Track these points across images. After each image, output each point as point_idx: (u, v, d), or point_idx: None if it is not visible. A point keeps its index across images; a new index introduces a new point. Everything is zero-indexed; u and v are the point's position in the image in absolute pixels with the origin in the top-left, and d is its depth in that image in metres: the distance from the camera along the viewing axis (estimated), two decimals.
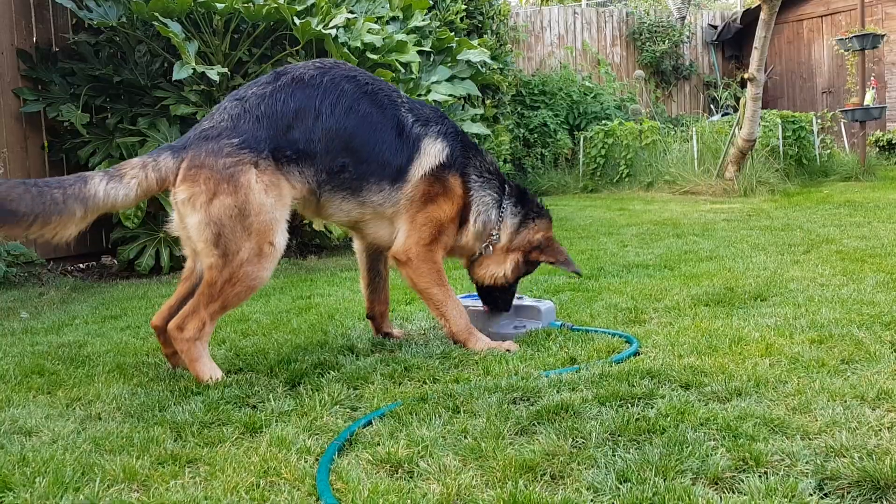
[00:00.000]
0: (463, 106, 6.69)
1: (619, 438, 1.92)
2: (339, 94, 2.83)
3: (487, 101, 11.49)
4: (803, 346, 2.74)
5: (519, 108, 13.61)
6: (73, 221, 2.56)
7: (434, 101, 6.13)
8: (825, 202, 8.65)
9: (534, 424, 2.06)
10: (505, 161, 11.70)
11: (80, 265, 6.88)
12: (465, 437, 1.98)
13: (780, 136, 10.87)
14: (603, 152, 11.93)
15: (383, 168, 2.89)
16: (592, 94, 13.88)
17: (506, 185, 3.24)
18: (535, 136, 13.32)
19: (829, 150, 11.72)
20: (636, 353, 2.80)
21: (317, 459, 1.92)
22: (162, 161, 2.66)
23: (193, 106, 6.07)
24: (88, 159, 6.13)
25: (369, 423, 2.17)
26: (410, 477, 1.79)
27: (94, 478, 1.80)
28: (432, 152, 2.97)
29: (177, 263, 6.29)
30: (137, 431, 2.15)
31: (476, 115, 6.73)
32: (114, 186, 2.58)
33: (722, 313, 3.44)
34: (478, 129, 6.58)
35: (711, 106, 15.14)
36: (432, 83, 6.28)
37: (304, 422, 2.21)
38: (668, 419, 2.02)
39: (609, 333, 3.15)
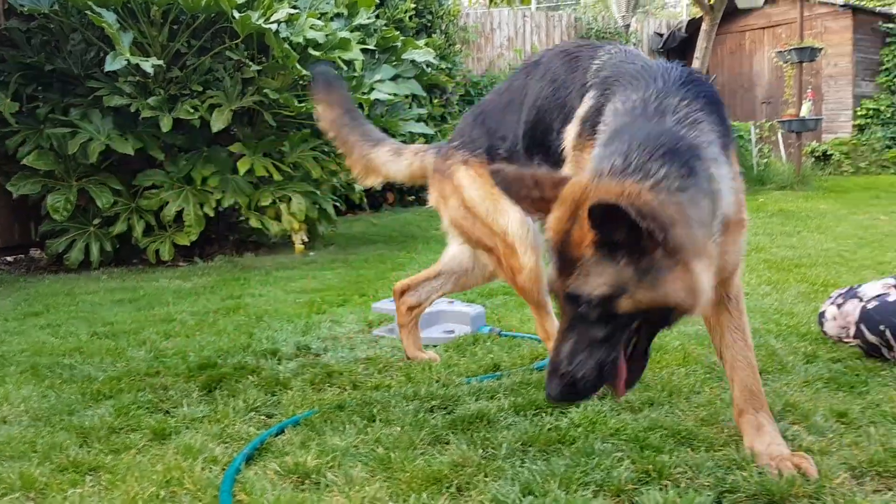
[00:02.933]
0: (410, 105, 6.65)
1: (530, 449, 1.93)
2: None
3: (435, 101, 11.51)
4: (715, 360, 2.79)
5: (468, 108, 13.65)
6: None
7: (377, 99, 6.09)
8: (759, 210, 8.85)
9: (448, 434, 2.05)
10: None
11: (8, 258, 6.67)
12: (378, 448, 1.97)
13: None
14: None
15: None
16: None
17: None
18: None
19: (766, 160, 12.02)
20: None
21: (223, 469, 1.88)
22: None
23: (128, 97, 5.91)
24: (17, 149, 5.94)
25: (281, 431, 2.14)
26: (316, 488, 1.76)
27: None
28: None
29: (106, 258, 6.14)
30: (42, 437, 2.08)
31: (421, 114, 6.71)
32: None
33: None
34: (421, 129, 6.56)
35: None
36: (376, 82, 6.24)
37: (215, 429, 2.17)
38: (580, 429, 2.03)
39: (536, 339, 3.16)
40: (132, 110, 5.87)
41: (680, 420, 2.11)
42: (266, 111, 6.16)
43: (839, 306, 2.88)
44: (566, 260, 1.62)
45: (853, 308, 2.79)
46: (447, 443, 2.00)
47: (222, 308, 4.13)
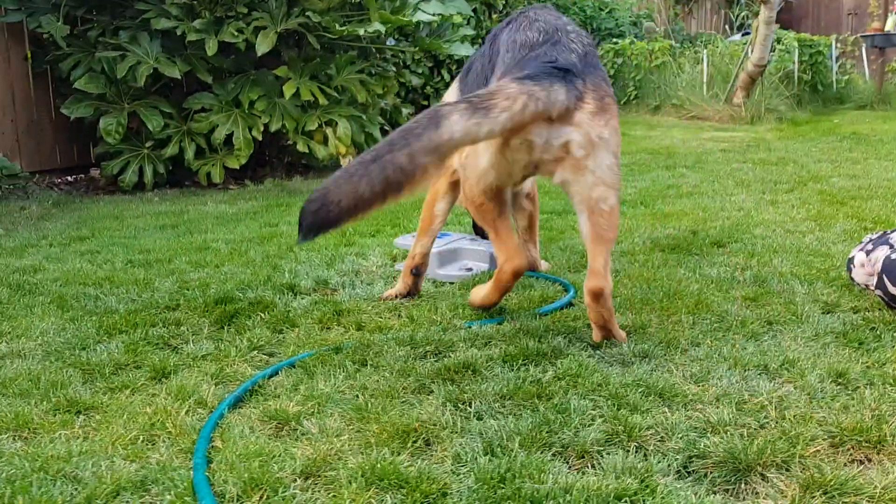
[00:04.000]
0: (452, 26, 6.49)
1: (507, 403, 1.94)
2: None
3: (494, 15, 11.18)
4: (734, 303, 2.72)
5: None
6: (428, 178, 2.12)
7: (420, 22, 5.95)
8: (831, 133, 8.43)
9: (432, 382, 2.07)
10: None
11: (69, 178, 6.91)
12: (361, 395, 2.01)
13: (796, 61, 10.52)
14: (612, 73, 11.61)
15: None
16: (607, 9, 13.41)
17: None
18: None
19: (847, 76, 11.36)
20: (569, 305, 2.79)
21: (211, 412, 1.95)
22: (556, 90, 2.15)
23: (175, 20, 5.94)
24: (70, 72, 6.07)
25: (276, 373, 2.20)
26: (292, 436, 1.82)
27: None
28: None
29: (160, 180, 6.31)
30: (48, 373, 2.19)
31: (465, 36, 6.53)
32: (477, 122, 2.06)
33: (674, 261, 3.40)
34: (467, 50, 6.40)
35: (726, 27, 14.61)
36: (420, 2, 6.08)
37: (213, 368, 2.24)
38: (561, 383, 2.02)
39: (551, 280, 3.14)
40: (178, 33, 5.90)
41: (667, 377, 2.08)
42: (310, 33, 6.10)
43: (868, 253, 2.75)
44: None
45: (881, 255, 2.65)
46: (430, 392, 2.02)
47: (257, 237, 4.21)
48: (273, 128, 6.23)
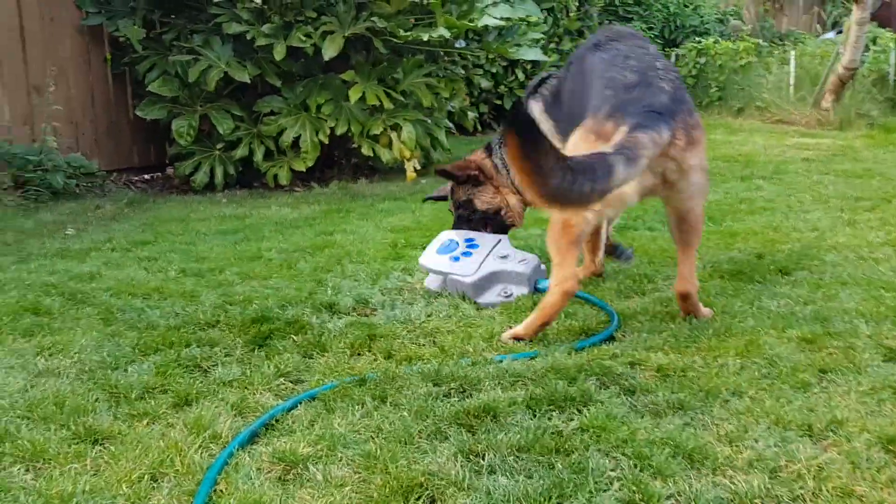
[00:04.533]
0: (525, 31, 6.34)
1: (522, 457, 1.85)
2: None
3: (572, 14, 10.96)
4: (789, 345, 2.54)
5: (611, 20, 12.91)
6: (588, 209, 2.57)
7: (486, 26, 5.85)
8: None
9: (449, 427, 2.00)
10: None
11: (145, 176, 7.11)
12: (374, 438, 1.95)
13: (892, 62, 9.93)
14: (694, 73, 11.22)
15: None
16: (693, 6, 12.96)
17: None
18: None
19: None
20: (609, 338, 2.67)
21: (224, 446, 1.93)
22: (663, 133, 2.53)
23: (245, 24, 6.02)
24: (146, 75, 6.23)
25: (294, 407, 2.17)
26: (294, 484, 1.78)
27: (1, 451, 1.88)
28: None
29: (230, 181, 6.41)
30: (75, 396, 2.22)
31: (533, 39, 6.39)
32: (629, 171, 2.39)
33: (732, 289, 3.22)
34: (535, 55, 6.27)
35: (818, 25, 13.93)
36: (487, 5, 5.98)
37: (236, 397, 2.23)
38: (584, 436, 1.92)
39: (597, 304, 3.02)
40: (248, 38, 5.98)
41: (699, 434, 1.94)
42: (377, 38, 6.09)
43: None
44: None
45: None
46: (445, 438, 1.95)
47: (311, 246, 4.21)
48: (339, 131, 6.25)
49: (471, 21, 5.79)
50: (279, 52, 5.91)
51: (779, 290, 3.20)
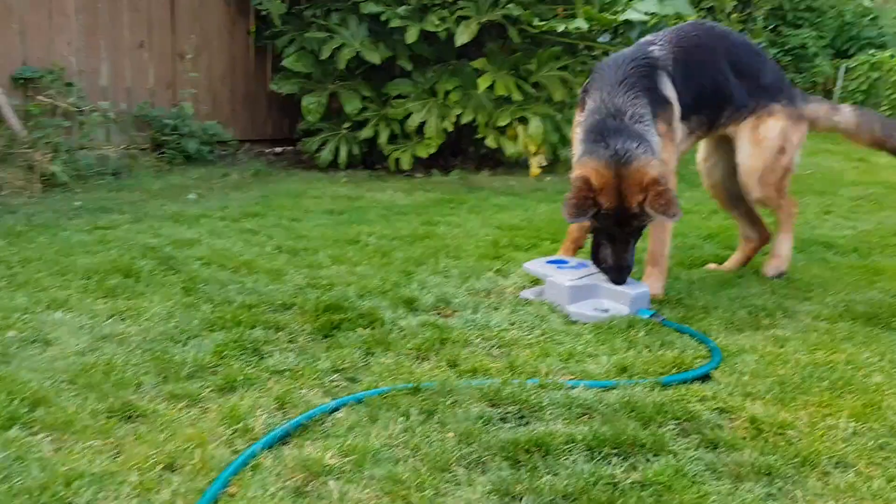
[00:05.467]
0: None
1: None
2: None
3: (734, 15, 10.31)
4: None
5: (778, 25, 12.06)
6: None
7: (627, 21, 5.50)
8: None
9: (493, 458, 1.79)
10: None
11: (277, 149, 7.25)
12: (408, 459, 1.78)
13: None
14: (864, 87, 10.32)
15: None
16: (870, 16, 11.90)
17: None
18: (790, 58, 11.78)
19: None
20: (705, 377, 2.36)
21: (252, 442, 1.82)
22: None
23: (382, 5, 5.97)
24: (283, 49, 6.32)
25: (337, 409, 2.02)
26: (307, 498, 1.63)
27: (33, 417, 1.84)
28: None
29: (354, 160, 6.41)
30: (126, 367, 2.18)
31: None
32: None
33: (864, 336, 2.81)
34: None
35: None
36: (634, 0, 5.63)
37: (283, 388, 2.12)
38: (642, 493, 1.66)
39: (699, 339, 2.70)
40: (383, 19, 5.93)
41: None
42: (512, 26, 5.87)
43: None
44: (623, 219, 2.89)
45: None
46: (484, 472, 1.75)
47: (411, 235, 4.09)
48: (464, 120, 6.10)
49: (613, 14, 5.46)
50: (411, 35, 5.82)
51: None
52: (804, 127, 3.52)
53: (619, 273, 2.95)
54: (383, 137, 6.26)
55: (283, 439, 1.86)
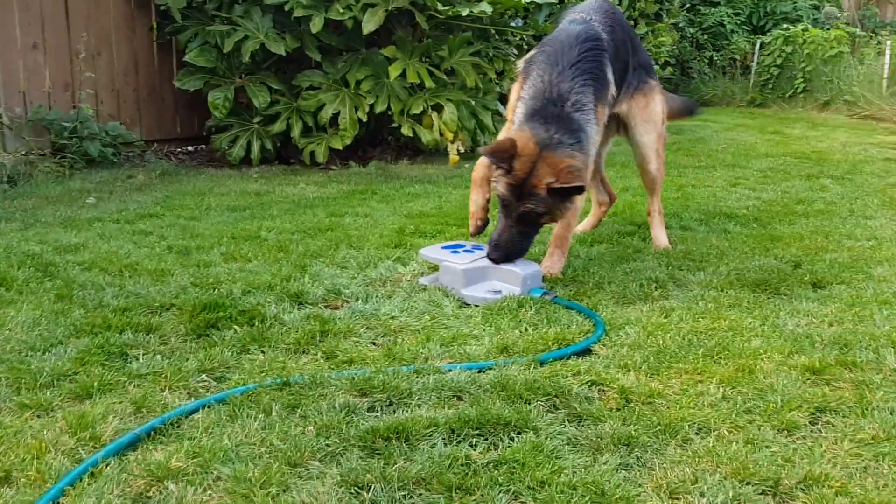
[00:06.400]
0: None
1: (414, 493, 1.57)
2: None
3: None
4: (789, 375, 2.17)
5: (696, 4, 12.23)
6: None
7: (533, 3, 5.48)
8: None
9: (348, 449, 1.74)
10: (666, 64, 10.66)
11: (189, 148, 7.06)
12: (260, 457, 1.71)
13: None
14: (779, 62, 10.53)
15: None
16: None
17: None
18: (708, 36, 11.97)
19: None
20: (586, 351, 2.35)
21: (97, 450, 1.73)
22: None
23: None
24: (186, 44, 6.14)
25: (195, 411, 1.94)
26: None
27: None
28: None
29: (267, 156, 6.27)
30: None
31: None
32: None
33: (750, 303, 2.84)
34: None
35: None
36: None
37: (141, 393, 2.02)
38: (496, 472, 1.62)
39: (587, 314, 2.68)
40: (286, 9, 5.80)
41: (637, 481, 1.61)
42: (420, 12, 5.81)
43: None
44: (524, 192, 2.87)
45: None
46: (338, 463, 1.69)
47: (314, 227, 4.01)
48: (378, 109, 6.02)
49: None
50: (316, 25, 5.71)
51: (804, 306, 2.80)
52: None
53: (494, 248, 2.93)
54: (296, 131, 6.14)
55: (133, 445, 1.77)
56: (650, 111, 3.57)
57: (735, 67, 11.67)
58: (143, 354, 2.28)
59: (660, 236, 3.69)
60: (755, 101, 10.61)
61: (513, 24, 6.58)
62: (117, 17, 6.31)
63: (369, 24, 5.73)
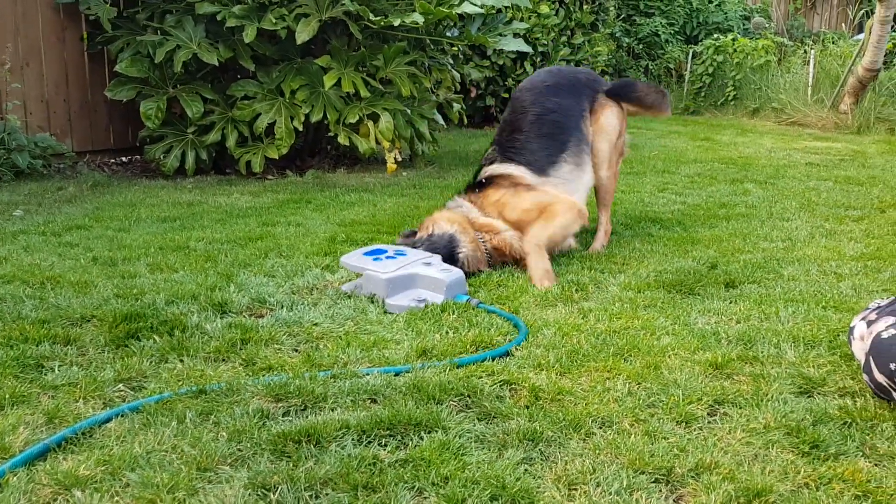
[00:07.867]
0: (510, 20, 6.08)
1: (322, 493, 1.60)
2: None
3: (586, 7, 10.60)
4: (693, 369, 2.26)
5: (631, 14, 12.53)
6: None
7: (465, 13, 5.57)
8: None
9: (258, 453, 1.77)
10: (603, 73, 10.88)
11: (122, 159, 6.96)
12: (172, 462, 1.72)
13: None
14: (710, 70, 10.81)
15: None
16: (717, 2, 12.53)
17: None
18: (643, 46, 12.26)
19: None
20: (505, 354, 2.41)
21: (4, 461, 1.72)
22: None
23: (218, 4, 5.83)
24: (118, 55, 6.07)
25: (108, 420, 1.95)
26: None
27: None
28: None
29: (203, 166, 6.23)
30: None
31: (519, 29, 6.10)
32: None
33: (665, 303, 2.94)
34: (518, 45, 5.97)
35: (852, 24, 13.35)
36: None
37: (54, 404, 2.02)
38: (402, 471, 1.67)
39: (507, 318, 2.75)
40: (219, 18, 5.78)
41: (537, 474, 1.68)
42: (353, 23, 5.85)
43: (870, 323, 2.22)
44: None
45: (877, 329, 2.13)
46: (247, 467, 1.72)
47: (244, 237, 4.01)
48: (314, 118, 6.02)
49: (449, 7, 5.52)
50: (249, 35, 5.70)
51: (715, 305, 2.91)
52: None
53: None
54: (231, 141, 6.10)
55: (43, 455, 1.77)
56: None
57: (670, 76, 11.97)
58: (60, 366, 2.27)
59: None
60: (689, 109, 10.89)
61: (448, 34, 6.67)
62: (46, 27, 6.21)
63: (303, 33, 5.74)
